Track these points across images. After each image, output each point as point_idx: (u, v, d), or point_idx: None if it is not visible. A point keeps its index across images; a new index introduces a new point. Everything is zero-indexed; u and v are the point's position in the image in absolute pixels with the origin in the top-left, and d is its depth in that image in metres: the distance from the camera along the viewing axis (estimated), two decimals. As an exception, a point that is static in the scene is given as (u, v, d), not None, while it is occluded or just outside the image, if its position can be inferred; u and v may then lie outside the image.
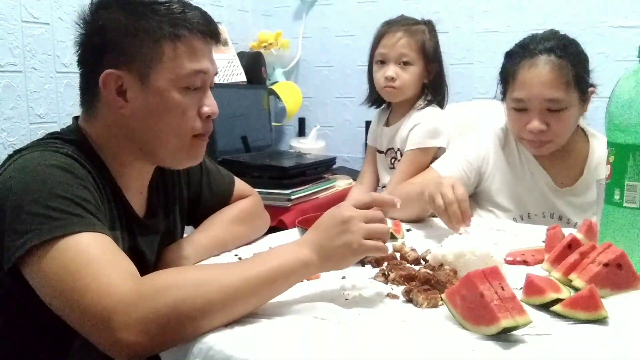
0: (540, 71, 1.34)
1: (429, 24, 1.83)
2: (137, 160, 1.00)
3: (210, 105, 0.99)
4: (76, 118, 1.02)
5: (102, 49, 0.93)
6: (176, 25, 0.93)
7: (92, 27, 0.95)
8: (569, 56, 1.36)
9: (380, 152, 1.90)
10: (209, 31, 0.97)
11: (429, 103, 1.79)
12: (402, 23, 1.81)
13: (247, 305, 0.80)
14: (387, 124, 1.90)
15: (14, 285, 0.84)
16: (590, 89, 1.42)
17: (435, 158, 1.64)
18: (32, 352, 0.92)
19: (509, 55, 1.44)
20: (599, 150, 1.45)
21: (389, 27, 1.80)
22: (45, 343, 0.92)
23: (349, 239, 0.85)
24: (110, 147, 0.97)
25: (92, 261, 0.77)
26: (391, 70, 1.76)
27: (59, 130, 1.01)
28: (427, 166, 1.61)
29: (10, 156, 0.91)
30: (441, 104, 1.83)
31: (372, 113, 2.03)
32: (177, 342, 0.76)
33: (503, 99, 1.47)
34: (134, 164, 1.00)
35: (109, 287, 0.75)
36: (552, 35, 1.40)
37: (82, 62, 0.98)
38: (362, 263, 0.99)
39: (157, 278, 0.79)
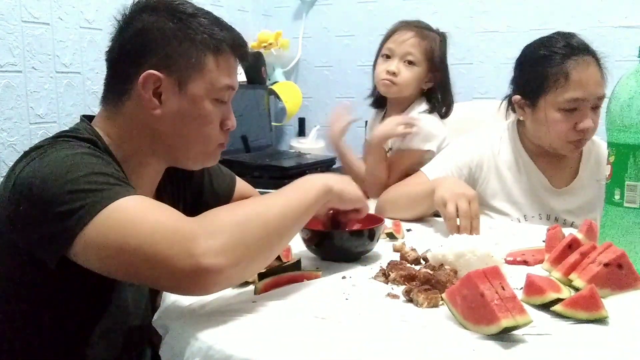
0: (594, 70, 1.37)
1: (442, 35, 1.83)
2: (155, 160, 1.02)
3: (232, 119, 1.04)
4: (85, 117, 1.02)
5: (143, 50, 0.95)
6: (219, 40, 0.97)
7: (134, 28, 0.96)
8: (600, 57, 1.40)
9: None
10: (244, 52, 1.03)
11: (431, 111, 1.80)
12: (416, 25, 1.81)
13: (293, 228, 0.89)
14: (382, 121, 1.91)
15: (45, 282, 0.85)
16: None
17: (421, 162, 1.65)
18: (50, 346, 0.93)
19: (543, 58, 1.41)
20: (593, 149, 1.47)
21: (402, 25, 1.81)
22: (64, 337, 0.93)
23: (355, 185, 1.05)
24: (130, 145, 0.98)
25: (148, 212, 0.80)
26: (394, 65, 1.77)
27: (60, 130, 1.01)
28: (410, 166, 1.61)
29: (26, 154, 0.90)
30: (443, 115, 1.83)
31: (372, 113, 2.04)
32: (249, 267, 0.82)
33: (526, 105, 1.44)
34: (151, 163, 1.02)
35: (175, 225, 0.78)
36: (577, 36, 1.43)
37: (115, 60, 0.99)
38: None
39: (213, 212, 0.84)
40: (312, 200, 0.92)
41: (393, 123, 1.72)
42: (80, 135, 0.94)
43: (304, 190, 0.92)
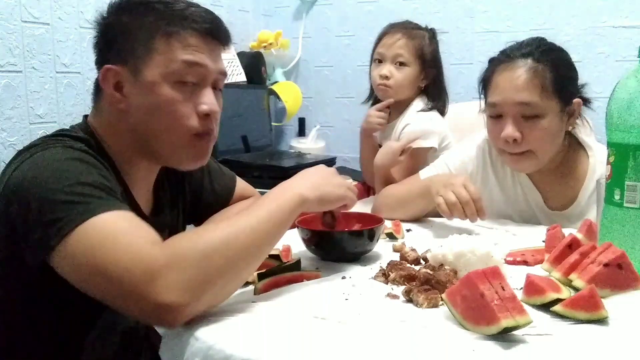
0: (514, 74, 1.28)
1: (430, 31, 1.86)
2: (141, 158, 1.01)
3: (208, 103, 0.96)
4: (86, 117, 1.03)
5: (105, 47, 0.97)
6: (172, 23, 0.94)
7: (100, 28, 0.98)
8: (549, 61, 1.28)
9: (381, 146, 1.93)
10: (209, 29, 0.96)
11: (430, 109, 1.81)
12: (403, 26, 1.84)
13: (266, 247, 0.86)
14: (387, 122, 1.93)
15: (34, 283, 0.85)
16: (576, 100, 1.32)
17: (426, 159, 1.65)
18: (46, 347, 0.93)
19: (489, 62, 1.38)
20: (599, 172, 1.31)
21: (390, 28, 1.85)
22: (59, 338, 0.93)
23: (340, 181, 1.01)
24: (114, 143, 0.98)
25: (119, 234, 0.78)
26: (386, 69, 1.79)
27: (61, 128, 1.01)
28: (414, 165, 1.60)
29: (19, 153, 0.91)
30: (441, 111, 1.84)
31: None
32: (214, 297, 0.79)
33: (485, 110, 1.39)
34: (140, 162, 1.01)
35: (139, 255, 0.76)
36: (534, 40, 1.33)
37: (96, 62, 1.01)
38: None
39: (180, 240, 0.80)
40: (285, 217, 0.88)
41: (391, 153, 1.68)
42: (75, 134, 0.95)
43: (277, 207, 0.87)
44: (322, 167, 1.02)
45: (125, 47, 0.94)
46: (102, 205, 0.81)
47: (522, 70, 1.28)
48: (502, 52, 1.36)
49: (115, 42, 0.96)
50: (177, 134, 0.96)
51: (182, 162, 1.01)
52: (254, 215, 0.85)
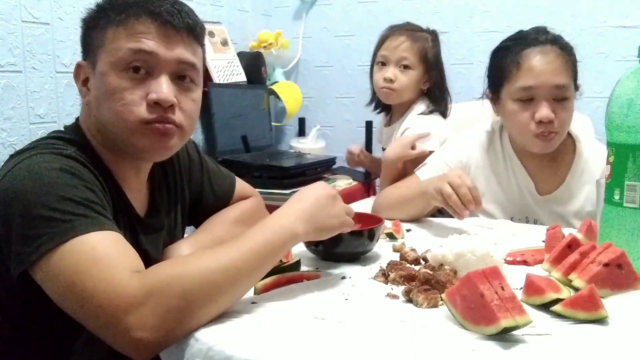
0: (548, 58, 1.33)
1: (433, 34, 1.86)
2: (122, 155, 0.98)
3: (157, 90, 0.92)
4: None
5: (82, 44, 1.01)
6: (122, 12, 0.94)
7: (81, 26, 1.01)
8: (567, 48, 1.37)
9: (384, 149, 1.93)
10: (159, 15, 0.93)
11: (431, 112, 1.81)
12: (406, 28, 1.84)
13: (249, 281, 0.84)
14: (387, 124, 1.93)
15: (18, 289, 0.84)
16: (580, 84, 1.40)
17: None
18: (34, 353, 0.92)
19: (502, 50, 1.41)
20: (585, 156, 1.41)
21: (393, 30, 1.84)
22: (48, 343, 0.92)
23: (339, 210, 0.95)
24: (98, 142, 0.98)
25: (99, 260, 0.77)
26: (390, 72, 1.79)
27: (56, 130, 1.01)
28: (414, 168, 1.61)
29: (11, 157, 0.91)
30: (444, 114, 1.84)
31: (372, 113, 2.04)
32: (189, 331, 0.77)
33: (494, 99, 1.43)
34: (123, 160, 0.99)
35: (117, 287, 0.75)
36: (547, 29, 1.40)
37: None
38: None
39: (161, 271, 0.79)
40: (274, 253, 0.85)
41: (403, 145, 1.71)
42: (68, 136, 0.95)
43: (267, 242, 0.84)
44: (321, 189, 0.95)
45: (89, 42, 0.97)
46: (85, 225, 0.80)
47: (554, 55, 1.34)
48: (520, 39, 1.38)
49: (84, 38, 0.99)
50: (125, 122, 0.92)
51: (140, 152, 0.97)
52: (242, 249, 0.82)
